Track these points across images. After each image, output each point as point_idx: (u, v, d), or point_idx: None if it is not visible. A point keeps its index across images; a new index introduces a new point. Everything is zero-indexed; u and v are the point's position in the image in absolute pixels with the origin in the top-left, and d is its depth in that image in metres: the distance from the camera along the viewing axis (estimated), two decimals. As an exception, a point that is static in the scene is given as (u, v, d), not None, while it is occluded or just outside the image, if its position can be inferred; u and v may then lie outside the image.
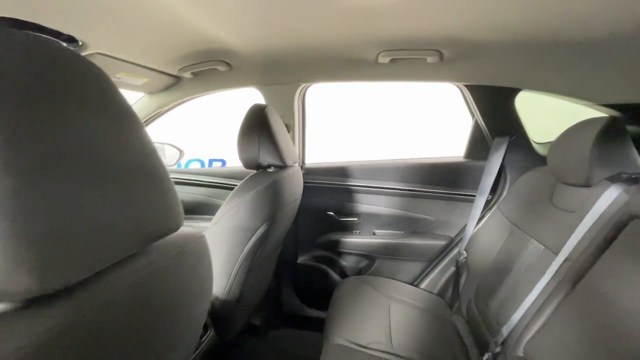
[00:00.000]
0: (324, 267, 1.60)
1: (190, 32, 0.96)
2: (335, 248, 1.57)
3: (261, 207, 0.98)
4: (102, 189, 0.31)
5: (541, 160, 1.27)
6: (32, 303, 0.28)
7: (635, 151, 0.87)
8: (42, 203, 0.26)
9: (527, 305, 0.88)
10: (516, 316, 0.90)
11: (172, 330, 0.44)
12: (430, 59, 1.07)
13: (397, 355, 0.98)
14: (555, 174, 1.02)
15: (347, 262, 1.59)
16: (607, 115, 1.17)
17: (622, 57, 0.89)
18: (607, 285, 0.69)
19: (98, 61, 1.01)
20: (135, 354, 0.36)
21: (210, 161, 4.13)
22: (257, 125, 1.05)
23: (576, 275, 0.77)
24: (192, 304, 0.49)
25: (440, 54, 1.04)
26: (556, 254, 0.88)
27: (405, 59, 1.09)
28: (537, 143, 1.30)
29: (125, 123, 0.38)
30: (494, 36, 0.89)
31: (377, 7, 0.77)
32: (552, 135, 1.39)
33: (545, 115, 1.37)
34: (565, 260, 0.83)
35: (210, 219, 1.72)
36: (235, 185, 1.65)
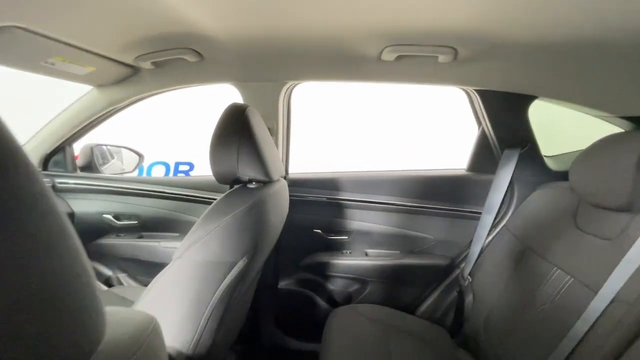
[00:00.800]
0: (309, 292, 1.40)
1: (150, 11, 0.74)
2: (322, 271, 1.38)
3: (241, 235, 0.76)
4: None
5: (552, 175, 1.16)
6: None
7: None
8: None
9: (564, 354, 0.74)
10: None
11: None
12: (442, 58, 0.91)
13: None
14: (581, 194, 0.90)
15: (335, 286, 1.40)
16: (621, 128, 1.08)
17: None
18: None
19: (16, 37, 0.75)
20: None
21: (177, 164, 3.76)
22: (236, 130, 0.83)
23: (634, 324, 0.63)
24: None
25: (455, 52, 0.88)
26: (595, 291, 0.75)
27: (414, 56, 0.93)
28: (546, 156, 1.19)
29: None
30: (516, 34, 0.76)
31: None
32: (557, 148, 1.31)
33: (549, 126, 1.27)
34: (614, 301, 0.70)
35: (176, 237, 1.48)
36: (207, 198, 1.43)
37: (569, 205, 0.95)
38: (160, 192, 1.46)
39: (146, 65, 1.05)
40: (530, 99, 1.10)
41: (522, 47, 0.82)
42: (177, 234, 1.48)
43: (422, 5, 0.67)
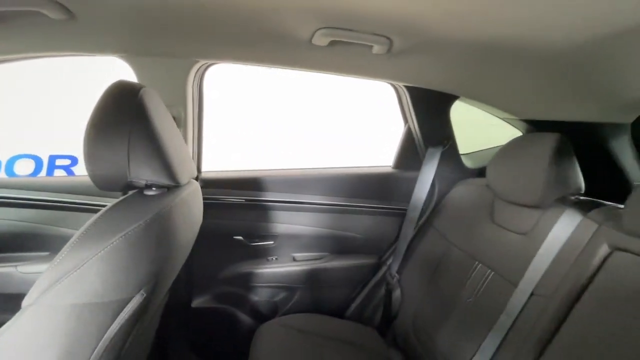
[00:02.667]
0: (229, 308, 1.22)
1: None
2: (244, 282, 1.22)
3: (136, 263, 0.56)
4: None
5: (468, 171, 1.24)
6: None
7: (580, 172, 0.85)
8: None
9: (493, 347, 0.76)
10: (469, 355, 0.78)
11: None
12: (377, 48, 0.84)
13: None
14: (497, 191, 0.96)
15: (260, 297, 1.26)
16: (520, 130, 1.21)
17: (551, 77, 0.88)
18: (603, 332, 0.60)
19: None
20: None
21: (52, 158, 2.97)
22: (125, 118, 0.61)
23: (558, 315, 0.67)
24: None
25: (390, 43, 0.83)
26: (515, 284, 0.79)
27: (348, 43, 0.83)
28: (462, 154, 1.27)
29: None
30: (449, 30, 0.74)
31: None
32: (471, 146, 1.41)
33: (463, 125, 1.36)
34: (533, 294, 0.74)
35: (44, 257, 1.12)
36: (93, 204, 1.11)
37: (485, 202, 1.01)
38: (21, 199, 1.08)
39: (-25, 16, 0.71)
40: (452, 98, 1.14)
41: (453, 45, 0.81)
42: (45, 253, 1.12)
43: None
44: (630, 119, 1.17)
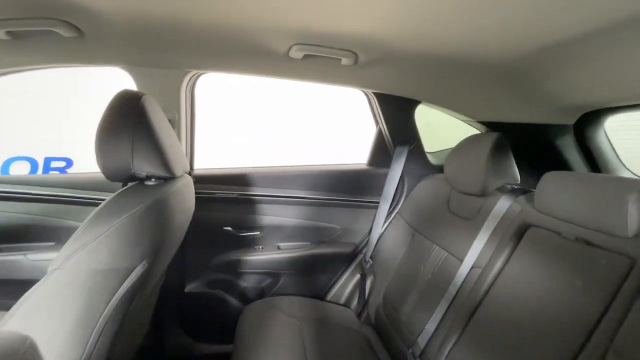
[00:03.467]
0: (220, 292, 1.35)
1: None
2: (233, 269, 1.34)
3: (138, 238, 0.69)
4: None
5: (433, 168, 1.38)
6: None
7: (514, 164, 1.00)
8: None
9: (441, 314, 0.90)
10: (431, 326, 0.91)
11: None
12: (345, 61, 0.99)
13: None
14: (452, 183, 1.10)
15: (248, 283, 1.38)
16: (479, 130, 1.36)
17: (499, 84, 1.03)
18: (516, 289, 0.74)
19: None
20: None
21: (48, 160, 3.05)
22: (129, 121, 0.74)
23: (487, 283, 0.82)
24: None
25: (356, 57, 0.97)
26: (461, 260, 0.93)
27: (319, 56, 0.98)
28: (428, 152, 1.41)
29: None
30: (406, 46, 0.88)
31: None
32: (436, 146, 1.56)
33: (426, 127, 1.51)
34: (473, 267, 0.89)
35: (51, 247, 1.23)
36: (93, 199, 1.23)
37: (444, 193, 1.15)
38: (28, 194, 1.20)
39: (-1, 34, 0.84)
40: (415, 103, 1.29)
41: (412, 56, 0.95)
42: (51, 244, 1.23)
43: (328, 9, 0.72)
44: (572, 120, 1.33)
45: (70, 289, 0.63)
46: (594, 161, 1.22)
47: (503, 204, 0.91)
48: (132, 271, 0.69)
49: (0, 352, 0.24)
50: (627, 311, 0.52)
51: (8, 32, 0.83)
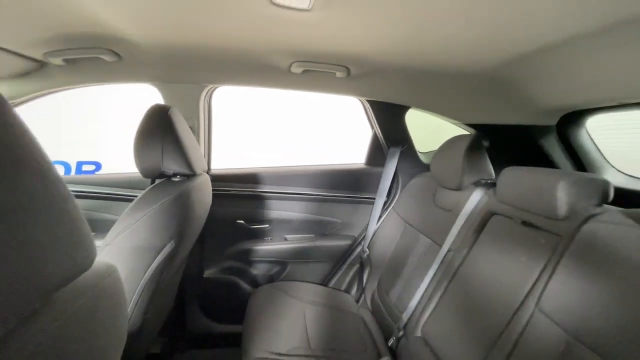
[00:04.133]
0: (234, 278, 1.52)
1: (64, 9, 0.78)
2: (245, 257, 1.52)
3: (167, 222, 0.87)
4: None
5: (424, 167, 1.52)
6: None
7: (489, 161, 1.12)
8: None
9: (421, 292, 1.04)
10: (413, 303, 1.05)
11: None
12: (339, 74, 1.14)
13: (316, 357, 1.02)
14: (437, 180, 1.24)
15: (258, 270, 1.55)
16: (468, 132, 1.49)
17: (482, 89, 1.16)
18: (479, 269, 0.87)
19: None
20: None
21: (79, 164, 3.36)
22: (159, 129, 0.93)
23: (457, 263, 0.95)
24: (106, 352, 0.40)
25: (348, 70, 1.12)
26: (440, 246, 1.07)
27: (316, 71, 1.14)
28: (421, 152, 1.55)
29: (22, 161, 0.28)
30: (392, 60, 1.03)
31: (290, 19, 0.77)
32: (429, 146, 1.69)
33: (423, 129, 1.64)
34: (448, 251, 1.02)
35: (95, 236, 1.43)
36: (129, 195, 1.43)
37: (430, 189, 1.29)
38: (73, 191, 1.41)
39: (56, 61, 1.04)
40: (405, 108, 1.43)
41: (398, 69, 1.09)
42: (92, 233, 1.44)
43: (321, 32, 0.87)
44: (553, 121, 1.43)
45: (117, 260, 0.81)
46: (579, 160, 1.31)
47: (476, 196, 1.04)
48: (162, 249, 0.87)
49: (88, 273, 0.37)
50: (550, 278, 0.65)
51: (64, 59, 1.03)
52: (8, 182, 0.26)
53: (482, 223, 0.94)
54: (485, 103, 1.31)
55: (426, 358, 0.88)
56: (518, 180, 0.86)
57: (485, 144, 1.49)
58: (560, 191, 0.71)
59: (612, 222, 0.60)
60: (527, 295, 0.69)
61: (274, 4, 0.70)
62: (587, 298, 0.57)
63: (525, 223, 0.80)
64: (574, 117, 1.40)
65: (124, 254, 0.82)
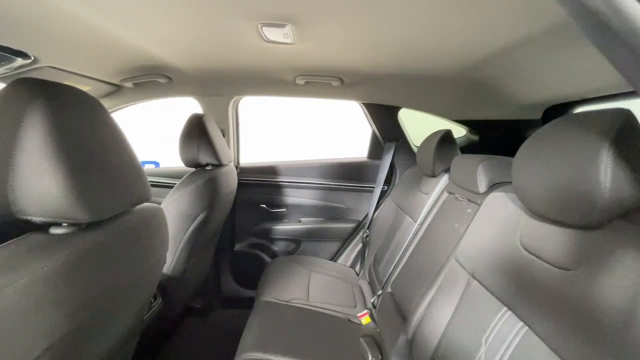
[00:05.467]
0: (258, 252, 1.86)
1: (132, 51, 1.14)
2: (267, 235, 1.84)
3: (201, 197, 1.21)
4: (109, 172, 0.55)
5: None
6: (82, 229, 0.51)
7: (458, 151, 1.31)
8: (91, 182, 0.50)
9: (396, 259, 1.27)
10: (390, 268, 1.28)
11: (140, 274, 0.68)
12: (334, 83, 1.41)
13: (312, 306, 1.30)
14: (420, 168, 1.45)
15: (277, 246, 1.87)
16: (449, 127, 1.66)
17: (461, 89, 1.35)
18: (428, 236, 1.09)
19: (47, 73, 1.14)
20: (120, 274, 0.60)
21: (143, 163, 4.04)
22: (196, 131, 1.28)
23: (419, 233, 1.17)
24: (153, 261, 0.72)
25: (341, 80, 1.39)
26: (415, 222, 1.29)
27: (315, 82, 1.42)
28: (416, 146, 1.75)
29: (114, 132, 0.61)
30: (377, 70, 1.27)
31: (284, 49, 1.06)
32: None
33: (420, 126, 1.83)
34: (417, 224, 1.24)
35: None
36: (173, 183, 1.84)
37: (418, 177, 1.50)
38: None
39: (128, 84, 1.45)
40: (397, 108, 1.65)
41: (385, 77, 1.33)
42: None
43: (315, 53, 1.13)
44: (538, 115, 1.55)
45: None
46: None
47: (443, 181, 1.24)
48: (197, 217, 1.21)
49: (145, 205, 0.68)
50: (464, 233, 0.86)
51: (133, 83, 1.44)
52: (115, 151, 0.59)
53: (440, 200, 1.15)
54: (468, 101, 1.49)
55: (390, 306, 1.12)
56: (460, 165, 1.06)
57: (475, 137, 1.66)
58: (480, 172, 0.91)
59: (505, 192, 0.80)
60: (451, 251, 0.90)
61: (267, 40, 1.00)
62: (480, 245, 0.78)
63: (459, 198, 1.01)
64: (558, 110, 1.51)
65: (170, 219, 1.18)
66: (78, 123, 0.51)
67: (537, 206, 0.61)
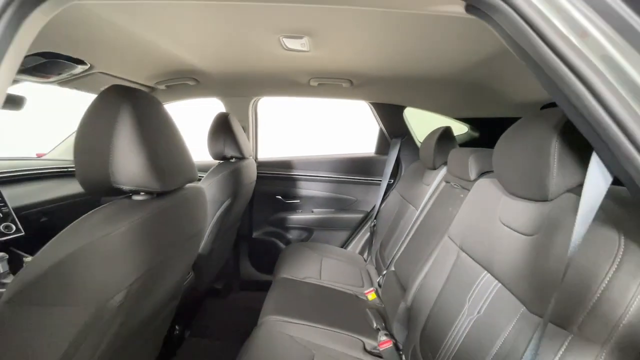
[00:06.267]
0: (274, 239, 2.03)
1: (168, 58, 1.32)
2: (282, 224, 2.01)
3: (226, 186, 1.38)
4: (172, 155, 0.72)
5: (422, 154, 1.85)
6: (154, 197, 0.68)
7: (457, 145, 1.44)
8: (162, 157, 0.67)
9: (399, 242, 1.42)
10: (394, 251, 1.43)
11: (188, 238, 0.84)
12: (344, 85, 1.57)
13: (322, 283, 1.45)
14: (423, 163, 1.58)
15: (292, 235, 2.04)
16: (451, 125, 1.78)
17: (460, 89, 1.48)
18: (426, 220, 1.24)
19: (97, 77, 1.33)
20: (177, 234, 0.76)
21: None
22: (222, 128, 1.46)
23: (420, 219, 1.32)
24: (197, 230, 0.89)
25: (351, 82, 1.54)
26: (417, 209, 1.43)
27: (328, 84, 1.57)
28: (420, 142, 1.88)
29: (171, 125, 0.77)
30: (382, 72, 1.42)
31: (300, 55, 1.22)
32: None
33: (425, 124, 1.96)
34: (417, 210, 1.38)
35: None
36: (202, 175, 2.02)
37: (420, 171, 1.63)
38: None
39: (161, 87, 1.63)
40: (402, 107, 1.79)
41: (389, 79, 1.48)
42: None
43: (327, 59, 1.29)
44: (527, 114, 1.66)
45: (198, 207, 1.35)
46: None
47: (442, 172, 1.38)
48: (224, 202, 1.38)
49: (191, 185, 0.87)
50: (457, 212, 1.00)
51: (166, 86, 1.62)
52: (173, 139, 0.75)
53: (438, 189, 1.29)
54: (467, 100, 1.62)
55: (393, 281, 1.26)
56: (455, 157, 1.20)
57: (476, 134, 1.78)
58: (471, 162, 1.05)
59: (490, 178, 0.93)
60: (445, 231, 1.04)
61: (286, 49, 1.15)
62: (469, 222, 0.92)
63: (454, 185, 1.14)
64: (554, 107, 1.62)
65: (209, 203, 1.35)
66: (150, 118, 0.68)
67: (510, 186, 0.76)
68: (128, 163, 0.62)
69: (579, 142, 0.61)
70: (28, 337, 0.50)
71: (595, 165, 0.44)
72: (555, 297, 0.49)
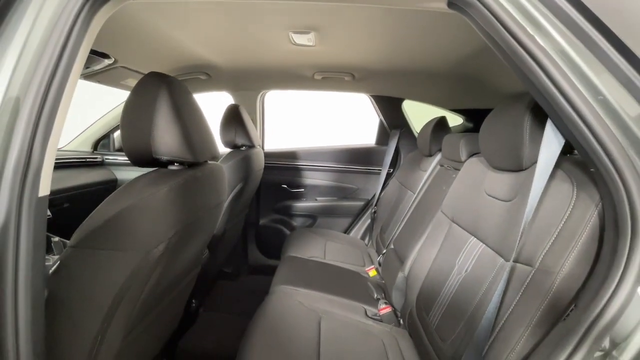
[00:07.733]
0: (280, 226, 2.14)
1: (187, 53, 1.44)
2: (288, 212, 2.12)
3: (238, 171, 1.49)
4: (200, 133, 0.83)
5: (420, 144, 1.96)
6: (186, 168, 0.80)
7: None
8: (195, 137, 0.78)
9: (398, 224, 1.53)
10: (394, 232, 1.55)
11: (212, 207, 0.95)
12: (346, 78, 1.68)
13: (327, 261, 1.57)
14: (420, 151, 1.70)
15: (297, 222, 2.15)
16: (445, 115, 1.90)
17: (454, 82, 1.59)
18: (423, 199, 1.35)
19: (119, 71, 1.45)
20: (204, 201, 0.87)
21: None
22: (233, 118, 1.57)
23: (417, 200, 1.43)
24: (219, 202, 1.00)
25: (352, 75, 1.65)
26: (414, 193, 1.54)
27: (331, 77, 1.69)
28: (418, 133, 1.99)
29: (198, 108, 0.88)
30: (382, 66, 1.53)
31: (306, 50, 1.33)
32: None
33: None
34: (415, 194, 1.50)
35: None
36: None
37: (418, 158, 1.75)
38: None
39: (175, 81, 1.75)
40: (401, 100, 1.90)
41: (388, 72, 1.59)
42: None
43: (330, 54, 1.40)
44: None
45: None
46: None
47: (438, 157, 1.49)
48: (235, 186, 1.50)
49: (212, 163, 0.98)
50: (450, 187, 1.11)
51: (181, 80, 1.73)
52: (200, 120, 0.86)
53: (434, 173, 1.41)
54: (461, 92, 1.73)
55: (391, 257, 1.38)
56: (448, 142, 1.31)
57: (470, 125, 1.90)
58: (462, 145, 1.16)
59: (478, 158, 1.05)
60: (439, 206, 1.16)
61: (294, 44, 1.27)
62: (459, 196, 1.03)
63: (447, 167, 1.26)
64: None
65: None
66: (182, 101, 0.79)
67: (493, 160, 0.87)
68: (166, 136, 0.73)
69: (546, 119, 0.73)
70: (88, 277, 0.60)
71: (550, 128, 0.56)
72: (521, 241, 0.60)
